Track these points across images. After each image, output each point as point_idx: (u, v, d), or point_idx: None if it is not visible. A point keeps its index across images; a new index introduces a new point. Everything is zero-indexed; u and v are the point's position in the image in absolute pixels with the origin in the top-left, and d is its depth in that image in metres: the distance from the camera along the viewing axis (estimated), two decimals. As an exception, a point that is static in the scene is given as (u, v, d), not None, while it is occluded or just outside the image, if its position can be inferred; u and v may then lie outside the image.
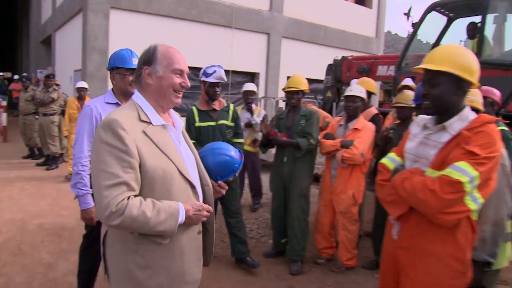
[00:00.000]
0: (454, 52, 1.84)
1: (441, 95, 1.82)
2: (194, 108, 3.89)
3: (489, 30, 6.23)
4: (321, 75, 9.13)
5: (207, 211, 1.73)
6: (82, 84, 7.64)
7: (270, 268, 4.06)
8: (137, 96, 1.74)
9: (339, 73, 8.36)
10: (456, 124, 1.83)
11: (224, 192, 1.94)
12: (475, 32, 6.19)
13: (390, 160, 2.12)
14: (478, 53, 5.87)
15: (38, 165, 8.70)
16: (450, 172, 1.72)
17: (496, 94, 3.78)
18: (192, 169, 1.79)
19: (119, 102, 2.76)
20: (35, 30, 19.61)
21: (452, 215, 1.74)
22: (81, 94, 7.53)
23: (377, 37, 16.87)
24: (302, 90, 4.03)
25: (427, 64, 1.83)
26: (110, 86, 3.01)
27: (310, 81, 13.44)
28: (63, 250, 4.32)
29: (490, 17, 6.04)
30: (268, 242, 4.71)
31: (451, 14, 7.04)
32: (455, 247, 1.84)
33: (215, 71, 3.75)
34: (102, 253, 1.76)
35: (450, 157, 1.77)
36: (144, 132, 1.62)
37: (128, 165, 1.54)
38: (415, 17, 19.88)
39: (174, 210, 1.61)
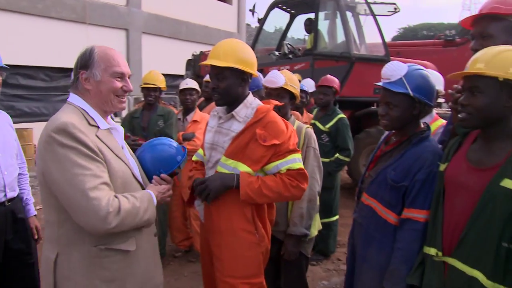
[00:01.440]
0: (236, 48, 1.99)
1: (228, 87, 1.98)
2: None
3: (324, 26, 6.99)
4: (184, 70, 9.19)
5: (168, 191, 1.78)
6: None
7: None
8: (77, 100, 1.60)
9: (198, 68, 8.51)
10: (242, 111, 2.03)
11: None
12: (311, 27, 6.89)
13: (197, 156, 2.32)
14: (314, 46, 6.55)
15: None
16: (290, 166, 1.98)
17: (337, 83, 4.25)
18: (137, 173, 1.75)
19: None
20: None
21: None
22: None
23: (238, 32, 17.54)
24: (159, 87, 3.89)
25: (214, 60, 1.95)
26: None
27: (174, 77, 13.54)
28: None
29: (322, 14, 6.75)
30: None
31: (292, 11, 7.69)
32: (244, 221, 2.02)
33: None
34: (53, 282, 1.53)
35: (251, 151, 1.96)
36: (97, 136, 1.55)
37: (101, 165, 1.48)
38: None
39: (149, 196, 1.63)
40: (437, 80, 2.92)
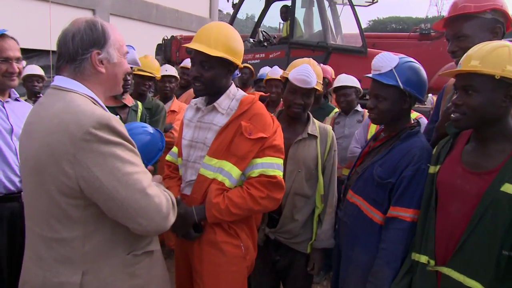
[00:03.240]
0: (228, 35, 1.81)
1: (213, 78, 1.81)
2: None
3: (300, 14, 6.85)
4: (154, 55, 8.85)
5: None
6: None
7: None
8: (78, 86, 1.30)
9: (169, 53, 8.25)
10: (224, 102, 1.86)
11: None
12: (287, 14, 6.74)
13: (171, 155, 2.11)
14: (290, 34, 6.41)
15: None
16: (264, 171, 1.78)
17: (330, 72, 3.96)
18: None
19: None
20: None
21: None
22: None
23: (211, 17, 17.14)
24: (155, 77, 3.40)
25: (203, 47, 1.75)
26: None
27: (144, 61, 13.09)
28: None
29: (299, 1, 6.61)
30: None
31: (268, -3, 7.50)
32: (225, 234, 1.85)
33: (127, 53, 2.82)
34: None
35: (236, 147, 1.79)
36: None
37: (141, 160, 1.36)
38: None
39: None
40: None
